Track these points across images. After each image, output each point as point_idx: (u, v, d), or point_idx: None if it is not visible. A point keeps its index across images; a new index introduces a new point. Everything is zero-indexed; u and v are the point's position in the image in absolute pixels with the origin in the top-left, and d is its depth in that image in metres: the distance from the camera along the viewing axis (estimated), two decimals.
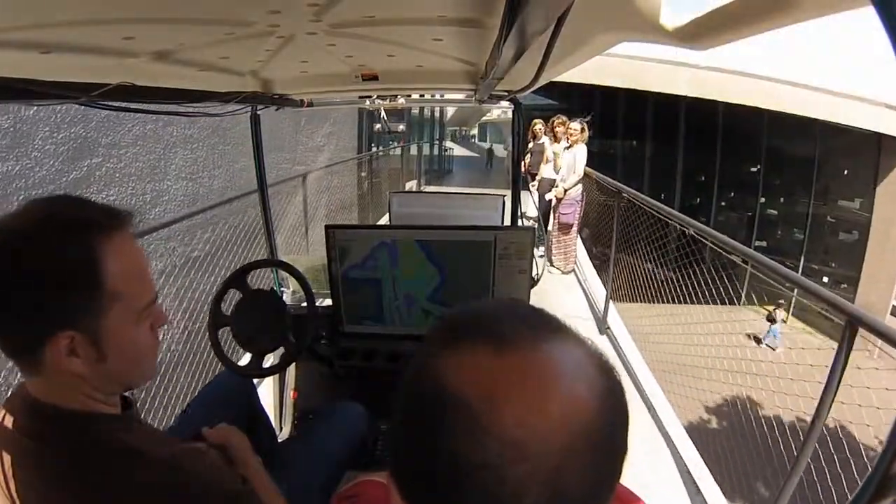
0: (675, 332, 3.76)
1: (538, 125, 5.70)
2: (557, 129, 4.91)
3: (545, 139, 5.45)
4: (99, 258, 0.56)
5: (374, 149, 9.42)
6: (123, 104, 0.93)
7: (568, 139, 4.65)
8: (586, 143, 4.61)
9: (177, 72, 0.94)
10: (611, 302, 3.43)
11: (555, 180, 4.81)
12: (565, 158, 4.61)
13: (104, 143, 3.08)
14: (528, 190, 5.38)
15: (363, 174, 7.54)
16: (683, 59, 9.29)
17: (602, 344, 2.58)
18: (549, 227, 5.03)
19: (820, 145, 10.21)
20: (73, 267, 0.55)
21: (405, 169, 9.99)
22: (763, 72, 9.44)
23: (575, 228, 4.69)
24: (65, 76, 0.80)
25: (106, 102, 0.89)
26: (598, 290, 4.06)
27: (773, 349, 8.00)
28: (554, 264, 4.76)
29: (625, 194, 3.19)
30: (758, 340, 8.32)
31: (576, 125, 4.50)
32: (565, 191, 4.54)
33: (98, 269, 0.56)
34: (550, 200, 4.81)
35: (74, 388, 0.59)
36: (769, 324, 8.60)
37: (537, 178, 5.28)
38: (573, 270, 4.75)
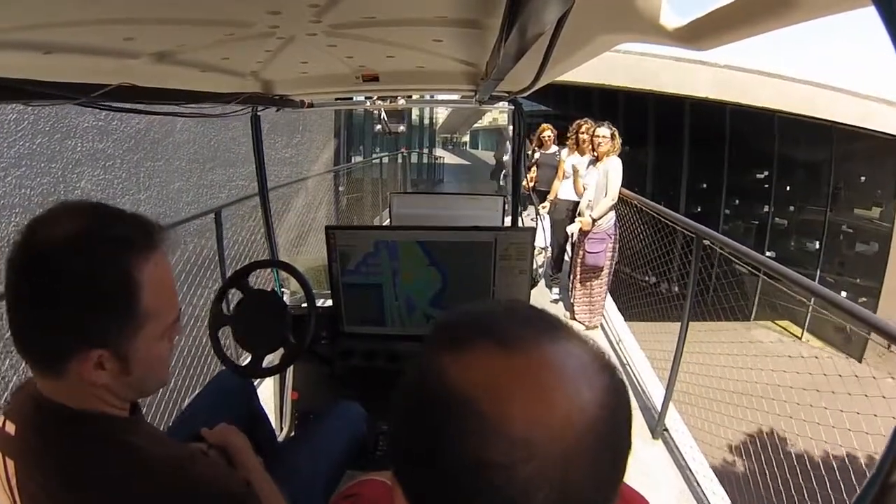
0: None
1: (547, 132, 4.67)
2: (582, 136, 3.74)
3: (559, 149, 4.41)
4: (137, 280, 0.57)
5: (354, 158, 8.48)
6: (124, 105, 0.93)
7: (595, 150, 3.45)
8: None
9: (177, 73, 0.94)
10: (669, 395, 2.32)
11: (576, 203, 3.67)
12: (593, 176, 3.44)
13: None
14: (537, 212, 4.09)
15: (341, 189, 6.66)
16: (702, 57, 8.57)
17: (656, 454, 2.19)
18: (569, 263, 3.95)
19: (836, 150, 9.56)
20: (112, 289, 0.56)
21: (391, 180, 8.99)
22: (788, 73, 8.80)
23: (606, 272, 3.47)
24: (65, 77, 0.80)
25: (106, 103, 0.89)
26: (641, 362, 3.06)
27: None
28: (577, 317, 3.57)
29: (706, 240, 2.23)
30: None
31: (604, 131, 3.37)
32: (594, 221, 3.32)
33: (135, 291, 0.57)
34: (572, 234, 3.59)
35: (90, 392, 0.59)
36: None
37: (549, 198, 4.12)
38: (600, 324, 3.63)
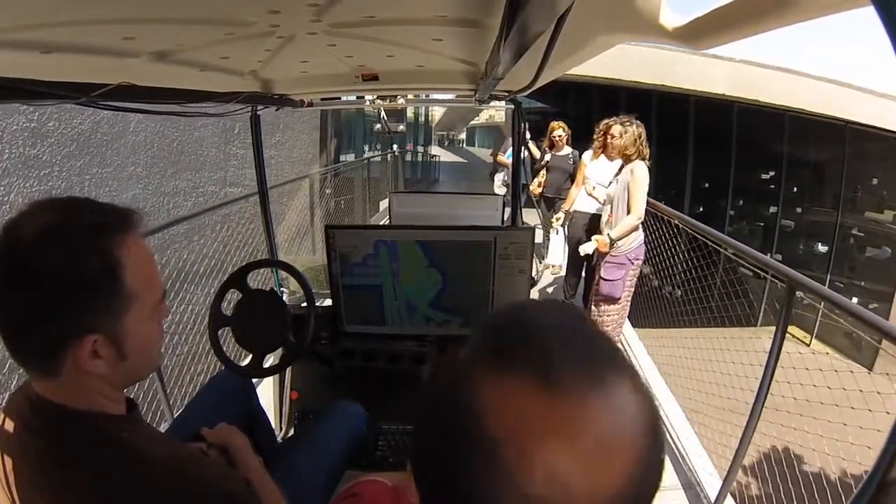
0: None
1: (558, 131, 4.06)
2: (611, 139, 3.00)
3: (573, 151, 3.95)
4: (118, 261, 0.57)
5: (345, 158, 8.20)
6: (123, 104, 0.93)
7: (614, 152, 2.89)
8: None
9: (177, 72, 0.94)
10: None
11: (598, 217, 3.06)
12: (612, 185, 2.85)
13: None
14: (550, 224, 3.57)
15: (328, 191, 6.15)
16: (716, 51, 7.78)
17: None
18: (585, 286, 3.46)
19: (848, 150, 9.22)
20: (96, 273, 0.56)
21: (383, 180, 8.49)
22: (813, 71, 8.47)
23: (623, 306, 2.80)
24: (65, 76, 0.80)
25: (106, 103, 0.89)
26: (683, 428, 2.41)
27: None
28: None
29: (799, 290, 1.62)
30: None
31: (618, 129, 2.86)
32: (612, 241, 2.64)
33: (118, 272, 0.57)
34: (589, 255, 2.92)
35: (87, 387, 0.60)
36: None
37: (564, 208, 3.54)
38: None
